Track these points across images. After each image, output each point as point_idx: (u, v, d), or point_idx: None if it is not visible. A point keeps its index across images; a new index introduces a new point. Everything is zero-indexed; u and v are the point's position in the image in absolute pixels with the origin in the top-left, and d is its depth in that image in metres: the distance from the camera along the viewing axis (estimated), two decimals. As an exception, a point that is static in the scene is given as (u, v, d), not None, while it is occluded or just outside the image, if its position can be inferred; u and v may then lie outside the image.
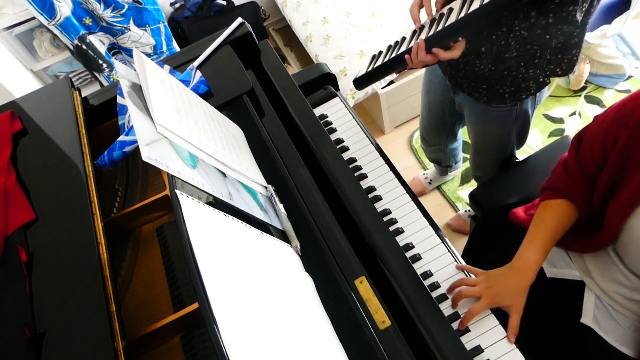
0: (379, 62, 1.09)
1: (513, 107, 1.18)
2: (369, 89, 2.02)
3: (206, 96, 1.04)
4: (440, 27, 0.93)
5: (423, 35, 0.97)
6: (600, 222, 0.85)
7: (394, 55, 1.04)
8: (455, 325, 0.81)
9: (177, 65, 1.14)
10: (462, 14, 0.89)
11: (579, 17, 0.93)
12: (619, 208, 0.79)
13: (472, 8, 0.87)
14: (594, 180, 0.86)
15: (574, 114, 2.11)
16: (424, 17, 1.02)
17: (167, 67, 1.06)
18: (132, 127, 0.94)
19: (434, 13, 0.99)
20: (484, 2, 0.85)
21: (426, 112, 1.53)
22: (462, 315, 0.82)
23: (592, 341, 0.89)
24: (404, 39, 1.06)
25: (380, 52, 1.12)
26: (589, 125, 0.87)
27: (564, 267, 0.97)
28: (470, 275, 0.87)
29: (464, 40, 0.96)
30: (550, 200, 0.90)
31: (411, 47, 0.97)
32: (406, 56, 0.99)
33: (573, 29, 0.98)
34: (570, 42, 1.03)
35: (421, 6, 1.02)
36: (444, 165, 1.84)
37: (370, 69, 1.11)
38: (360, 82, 1.14)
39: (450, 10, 0.94)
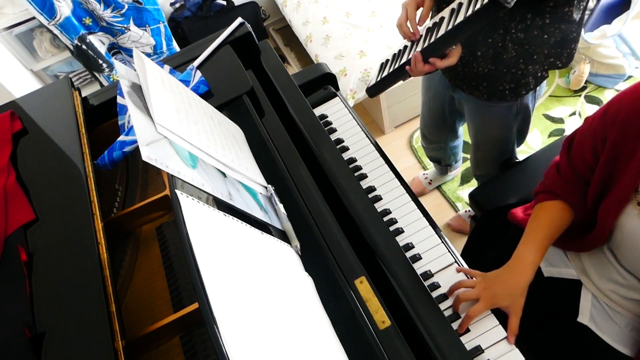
0: (385, 72, 1.13)
1: (514, 102, 1.18)
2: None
3: (206, 96, 1.04)
4: (433, 39, 0.95)
5: (419, 47, 0.99)
6: (595, 221, 0.86)
7: (397, 65, 1.07)
8: (455, 325, 0.81)
9: (177, 65, 1.14)
10: (450, 26, 0.90)
11: (576, 16, 0.93)
12: (611, 206, 0.80)
13: (458, 20, 0.89)
14: (587, 181, 0.86)
15: (574, 114, 2.11)
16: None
17: (167, 67, 1.06)
18: (132, 127, 0.94)
19: (418, 31, 1.01)
20: (468, 14, 0.86)
21: (426, 109, 1.53)
22: (462, 316, 0.82)
23: (589, 340, 0.90)
24: (406, 47, 1.08)
25: (388, 60, 1.15)
26: (579, 128, 0.88)
27: (561, 266, 0.97)
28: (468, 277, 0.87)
29: (460, 47, 0.97)
30: (545, 202, 0.91)
31: (411, 59, 0.99)
32: (407, 67, 1.02)
33: (571, 27, 0.98)
34: (568, 37, 1.03)
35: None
36: (444, 164, 1.84)
37: (379, 78, 1.15)
38: (372, 91, 1.19)
39: (442, 19, 0.95)
